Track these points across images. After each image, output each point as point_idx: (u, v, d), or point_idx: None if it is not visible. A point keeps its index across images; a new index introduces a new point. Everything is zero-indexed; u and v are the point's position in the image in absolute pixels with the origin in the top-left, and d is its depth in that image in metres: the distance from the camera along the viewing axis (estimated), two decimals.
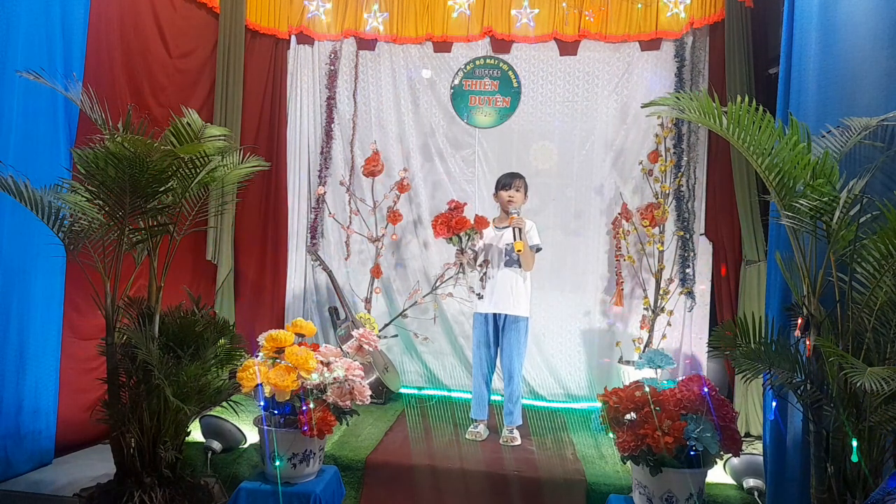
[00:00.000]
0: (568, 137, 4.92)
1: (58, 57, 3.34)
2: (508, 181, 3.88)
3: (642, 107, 2.53)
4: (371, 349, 3.23)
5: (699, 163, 4.67)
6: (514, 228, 3.70)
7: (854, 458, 2.09)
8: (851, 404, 2.12)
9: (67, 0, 3.40)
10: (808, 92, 2.64)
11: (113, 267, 2.66)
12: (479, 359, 3.91)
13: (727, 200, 4.41)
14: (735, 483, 3.22)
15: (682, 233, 4.58)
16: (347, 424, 2.86)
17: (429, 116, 5.07)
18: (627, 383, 2.68)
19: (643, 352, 4.39)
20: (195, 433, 3.19)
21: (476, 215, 3.94)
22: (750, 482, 3.12)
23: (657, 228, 4.58)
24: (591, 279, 4.89)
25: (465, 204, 4.05)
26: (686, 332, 4.68)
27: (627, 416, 2.48)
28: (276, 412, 2.70)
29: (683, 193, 4.63)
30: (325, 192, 5.05)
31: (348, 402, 2.75)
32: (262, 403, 2.69)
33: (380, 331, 4.76)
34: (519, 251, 3.68)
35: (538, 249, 3.85)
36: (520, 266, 3.82)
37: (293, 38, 5.10)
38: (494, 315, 3.85)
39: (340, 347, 3.22)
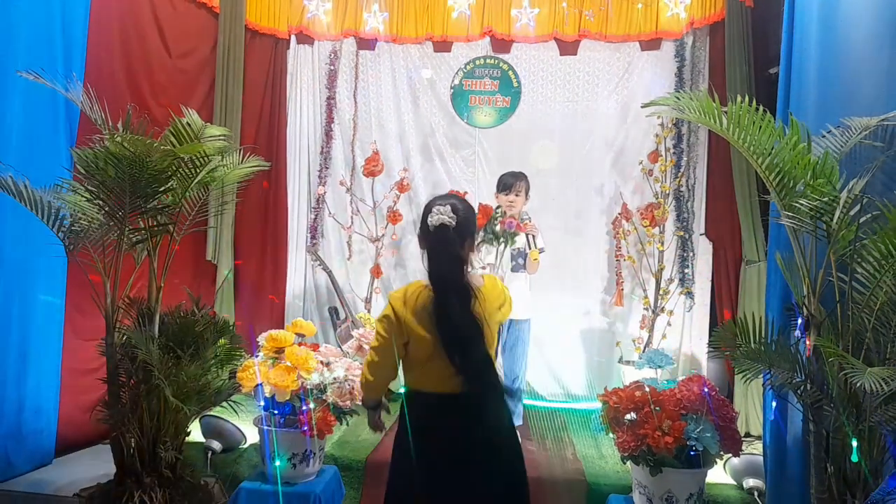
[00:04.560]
0: (568, 137, 4.92)
1: (58, 57, 3.34)
2: (510, 182, 3.78)
3: (642, 107, 2.53)
4: None
5: (699, 163, 4.67)
6: (528, 236, 3.62)
7: (854, 458, 2.09)
8: (851, 404, 2.12)
9: (68, 0, 3.41)
10: (808, 92, 2.64)
11: (113, 267, 2.66)
12: None
13: (727, 200, 4.40)
14: (735, 483, 3.22)
15: (681, 233, 4.58)
16: (347, 424, 2.87)
17: (429, 116, 5.07)
18: (627, 383, 2.68)
19: (643, 352, 4.39)
20: (195, 433, 3.19)
21: (480, 204, 3.89)
22: (750, 482, 3.12)
23: (657, 228, 4.58)
24: (591, 279, 4.89)
25: (465, 193, 3.99)
26: (686, 332, 4.67)
27: (627, 416, 2.48)
28: (276, 412, 2.70)
29: (683, 193, 4.63)
30: (325, 192, 5.05)
31: (348, 402, 2.76)
32: (262, 403, 2.70)
33: None
34: (535, 260, 3.61)
35: (541, 251, 3.83)
36: (525, 269, 3.79)
37: (293, 38, 5.09)
38: None
39: (340, 347, 3.22)
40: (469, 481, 2.00)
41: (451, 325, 1.98)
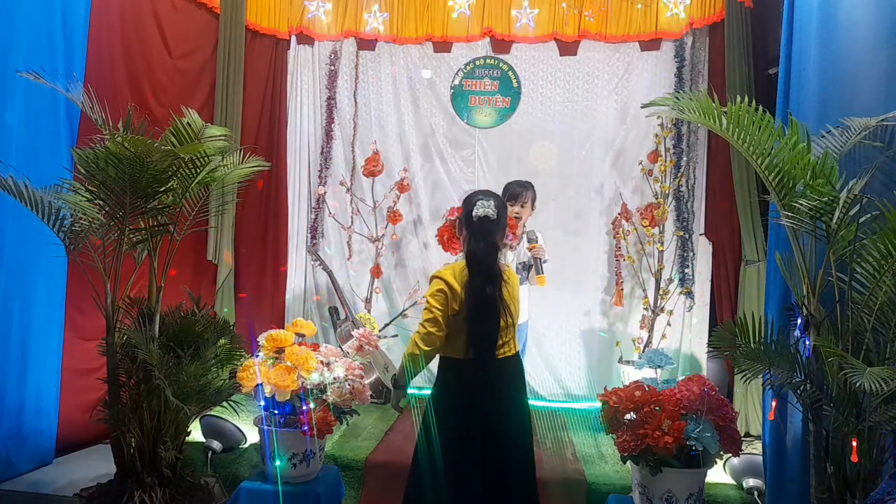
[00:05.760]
0: (568, 137, 4.92)
1: (59, 57, 3.35)
2: (517, 192, 3.69)
3: (642, 107, 2.53)
4: (371, 349, 3.24)
5: (699, 163, 4.67)
6: (537, 260, 3.50)
7: (854, 458, 2.09)
8: (851, 404, 2.12)
9: (68, 0, 3.41)
10: (808, 92, 2.64)
11: (113, 267, 2.66)
12: None
13: (727, 200, 4.41)
14: (735, 483, 3.22)
15: (681, 233, 4.58)
16: (347, 424, 2.87)
17: (429, 116, 5.07)
18: (627, 383, 2.68)
19: (643, 352, 4.39)
20: (195, 433, 3.19)
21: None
22: (750, 482, 3.13)
23: (657, 228, 4.58)
24: (591, 279, 4.89)
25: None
26: (686, 332, 4.67)
27: (627, 416, 2.48)
28: (276, 412, 2.70)
29: (683, 193, 4.63)
30: (325, 192, 5.05)
31: (348, 402, 2.76)
32: (262, 403, 2.70)
33: (380, 331, 4.76)
34: (543, 286, 3.52)
35: (545, 262, 3.70)
36: (528, 282, 3.74)
37: (293, 39, 5.09)
38: None
39: (341, 347, 3.22)
40: (486, 435, 2.36)
41: (477, 302, 2.33)
